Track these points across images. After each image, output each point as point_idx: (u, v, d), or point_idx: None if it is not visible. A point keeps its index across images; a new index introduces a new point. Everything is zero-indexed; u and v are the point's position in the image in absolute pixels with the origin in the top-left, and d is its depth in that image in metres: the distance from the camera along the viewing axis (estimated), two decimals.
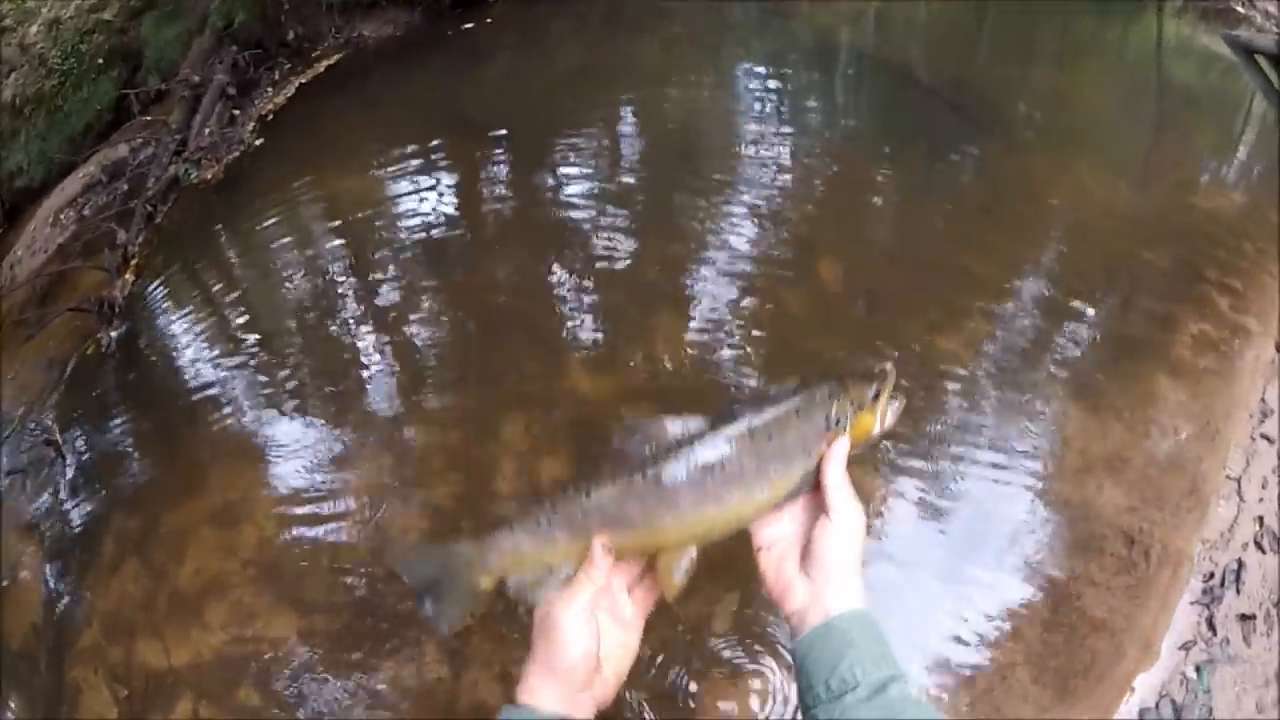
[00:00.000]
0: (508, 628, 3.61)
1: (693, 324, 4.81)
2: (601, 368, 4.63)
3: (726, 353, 4.65)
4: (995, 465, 4.21)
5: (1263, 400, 4.81)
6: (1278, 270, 5.48)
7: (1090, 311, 5.06)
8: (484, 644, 3.62)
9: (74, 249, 6.38)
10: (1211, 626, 3.86)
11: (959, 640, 3.64)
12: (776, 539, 1.76)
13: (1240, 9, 10.12)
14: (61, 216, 6.99)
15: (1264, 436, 4.63)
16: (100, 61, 8.12)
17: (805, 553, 1.69)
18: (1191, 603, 3.93)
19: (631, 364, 4.62)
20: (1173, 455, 4.38)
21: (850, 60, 7.95)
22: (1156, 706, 3.62)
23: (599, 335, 4.81)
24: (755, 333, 4.77)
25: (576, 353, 4.71)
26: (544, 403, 4.48)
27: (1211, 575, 4.03)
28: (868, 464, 4.08)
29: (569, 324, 4.88)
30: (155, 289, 5.64)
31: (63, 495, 4.56)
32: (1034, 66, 8.31)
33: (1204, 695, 3.67)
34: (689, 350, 4.66)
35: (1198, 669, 3.72)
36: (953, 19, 9.18)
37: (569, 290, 5.08)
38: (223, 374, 4.91)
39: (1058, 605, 3.77)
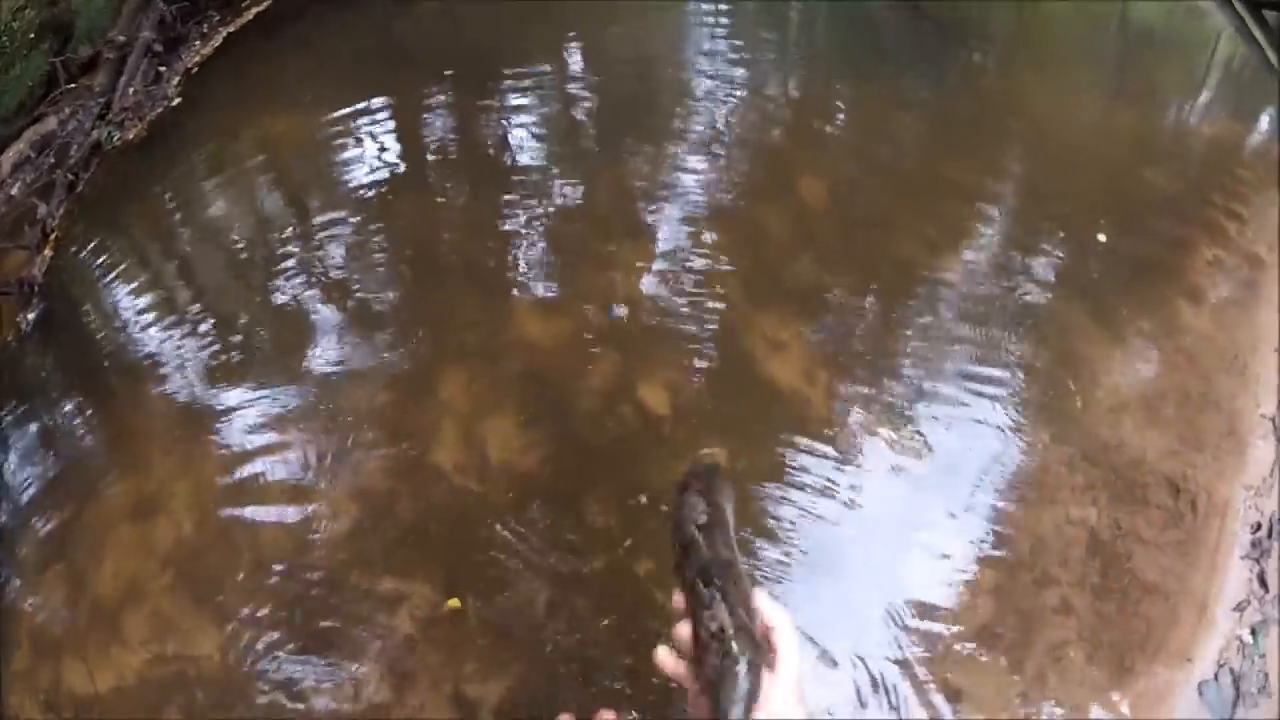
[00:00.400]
0: (458, 635, 3.07)
1: (657, 256, 4.20)
2: (553, 311, 4.01)
3: (697, 287, 4.07)
4: (1017, 401, 3.74)
5: None
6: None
7: (1099, 231, 4.55)
8: (431, 656, 3.06)
9: (4, 230, 5.56)
10: (1263, 582, 3.42)
11: (998, 615, 3.13)
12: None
13: None
14: None
15: None
16: (31, 36, 7.32)
17: None
18: (1241, 557, 3.46)
19: (587, 305, 4.00)
20: (1207, 392, 3.89)
21: None
22: (1215, 678, 3.16)
23: (550, 275, 4.19)
24: (727, 263, 4.18)
25: (525, 295, 4.09)
26: (487, 354, 3.87)
27: (1258, 526, 3.57)
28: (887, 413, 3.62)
29: (517, 264, 4.25)
30: (74, 260, 4.91)
31: None
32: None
33: (1259, 660, 3.24)
34: (653, 287, 4.07)
35: (1253, 631, 3.28)
36: None
37: (518, 229, 4.43)
38: (138, 346, 4.26)
39: (1107, 568, 3.27)
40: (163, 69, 6.09)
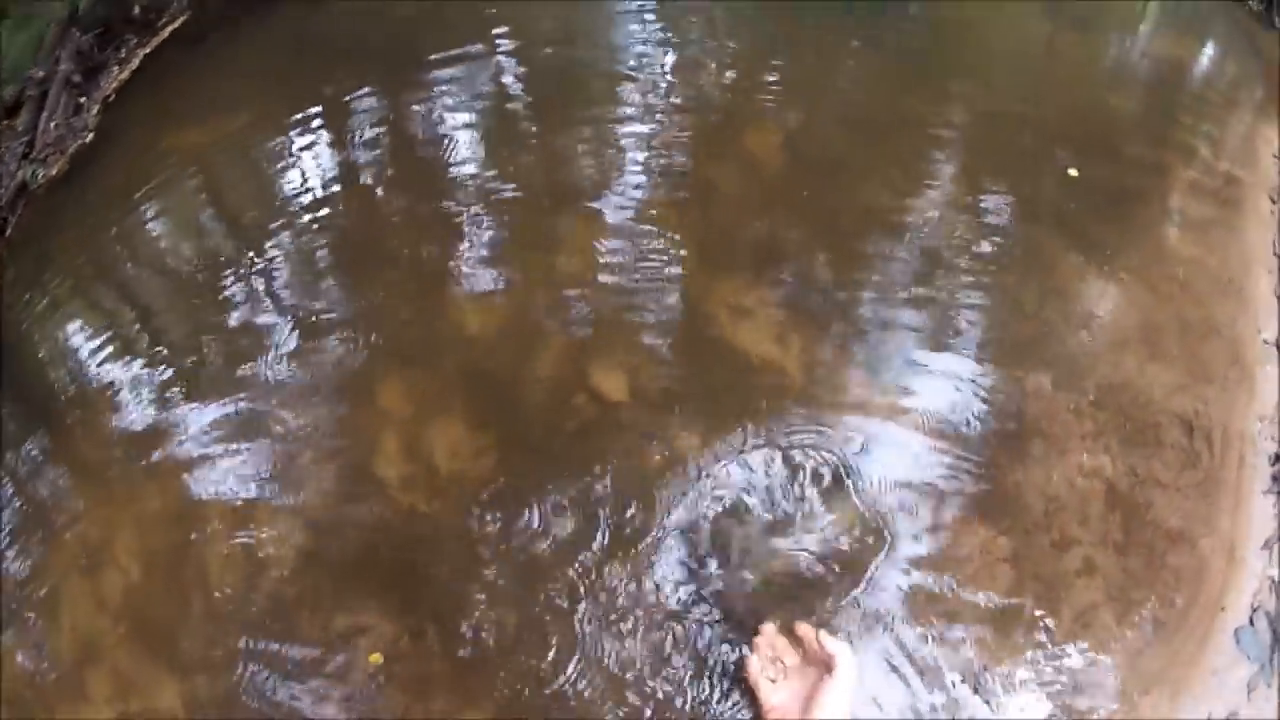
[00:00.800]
0: (423, 669, 2.73)
1: (603, 231, 3.78)
2: (493, 302, 3.61)
3: (649, 259, 3.66)
4: (1008, 345, 3.41)
5: (1276, 255, 4.08)
6: None
7: (1073, 157, 4.21)
8: (396, 696, 2.71)
9: None
10: None
11: (1017, 583, 2.82)
12: (783, 702, 2.15)
13: None
14: None
15: None
16: None
17: (807, 706, 2.05)
18: (1264, 492, 3.18)
19: (531, 290, 3.62)
20: (1206, 319, 3.61)
21: None
22: (1251, 622, 2.88)
23: (490, 263, 3.77)
24: (679, 231, 3.76)
25: (463, 288, 3.67)
26: (427, 353, 3.50)
27: (1277, 457, 3.30)
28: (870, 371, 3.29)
29: (455, 256, 3.82)
30: (11, 305, 4.49)
31: None
32: None
33: None
34: (601, 263, 3.66)
35: None
36: None
37: (455, 219, 4.00)
38: (90, 380, 3.88)
39: (1128, 521, 2.97)
40: (82, 99, 5.73)
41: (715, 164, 4.11)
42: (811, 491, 2.99)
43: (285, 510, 3.14)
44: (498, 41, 5.35)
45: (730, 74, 4.71)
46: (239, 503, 3.21)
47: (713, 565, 2.81)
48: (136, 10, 6.35)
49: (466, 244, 3.88)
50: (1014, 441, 3.18)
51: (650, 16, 5.21)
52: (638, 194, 3.94)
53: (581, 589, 2.83)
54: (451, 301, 3.64)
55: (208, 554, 3.10)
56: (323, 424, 3.35)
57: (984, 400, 3.27)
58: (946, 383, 3.32)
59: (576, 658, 2.71)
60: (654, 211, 3.86)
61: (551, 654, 2.73)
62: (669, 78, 4.69)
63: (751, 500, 2.97)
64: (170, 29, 6.09)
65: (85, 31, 6.16)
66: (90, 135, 5.37)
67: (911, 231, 3.78)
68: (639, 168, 4.08)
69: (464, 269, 3.76)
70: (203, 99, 5.32)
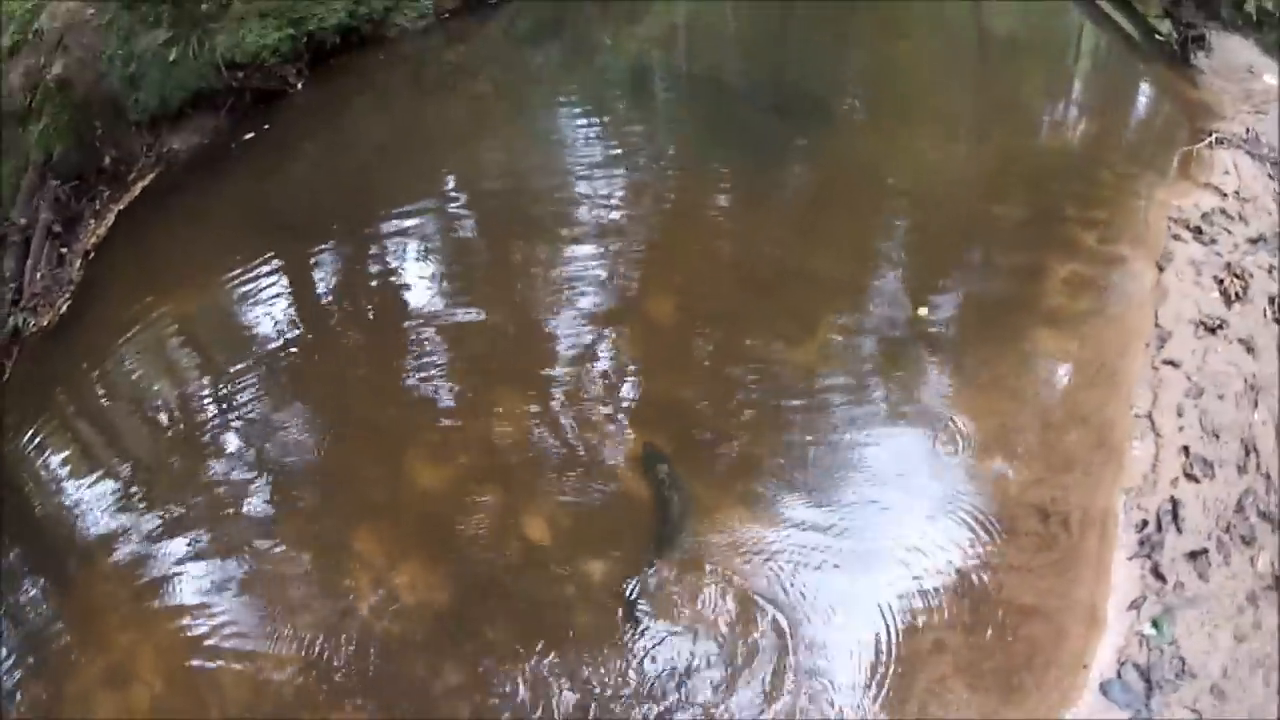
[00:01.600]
0: None
1: (531, 400, 4.64)
2: (441, 457, 4.48)
3: (569, 423, 4.51)
4: (876, 473, 4.12)
5: (1157, 325, 4.76)
6: None
7: (947, 284, 5.00)
8: None
9: None
10: (1159, 575, 3.77)
11: (874, 666, 3.49)
12: None
13: None
14: None
15: (1167, 362, 4.57)
16: None
17: None
18: (1130, 558, 3.82)
19: (471, 449, 4.49)
20: (1071, 412, 4.30)
21: (665, 82, 7.82)
22: (1119, 675, 3.49)
23: (439, 424, 4.68)
24: (592, 392, 4.65)
25: (416, 447, 4.54)
26: (390, 507, 4.33)
27: (1144, 524, 3.94)
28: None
29: (410, 418, 4.73)
30: (12, 450, 5.26)
31: None
32: (850, 52, 8.19)
33: (1170, 647, 3.56)
34: (531, 424, 4.52)
35: (1154, 623, 3.62)
36: (760, 21, 8.88)
37: (408, 383, 4.91)
38: (84, 524, 4.64)
39: (977, 604, 3.64)
40: (64, 250, 6.47)
41: (622, 332, 4.94)
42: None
43: (282, 639, 3.86)
44: (445, 194, 6.39)
45: (653, 232, 5.63)
46: (242, 627, 3.95)
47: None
48: (107, 161, 7.14)
49: (415, 404, 4.74)
50: (873, 552, 3.83)
51: (589, 176, 6.17)
52: (564, 360, 4.80)
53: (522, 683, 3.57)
54: (408, 460, 4.45)
55: (219, 667, 3.83)
56: (310, 567, 4.12)
57: (854, 516, 3.94)
58: (824, 502, 4.00)
59: None
60: (575, 377, 4.70)
61: None
62: (596, 243, 5.53)
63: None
64: (140, 185, 6.96)
65: (61, 180, 6.96)
66: (75, 286, 6.14)
67: (792, 372, 4.54)
68: (566, 337, 4.94)
69: (416, 429, 4.62)
70: (176, 256, 6.12)
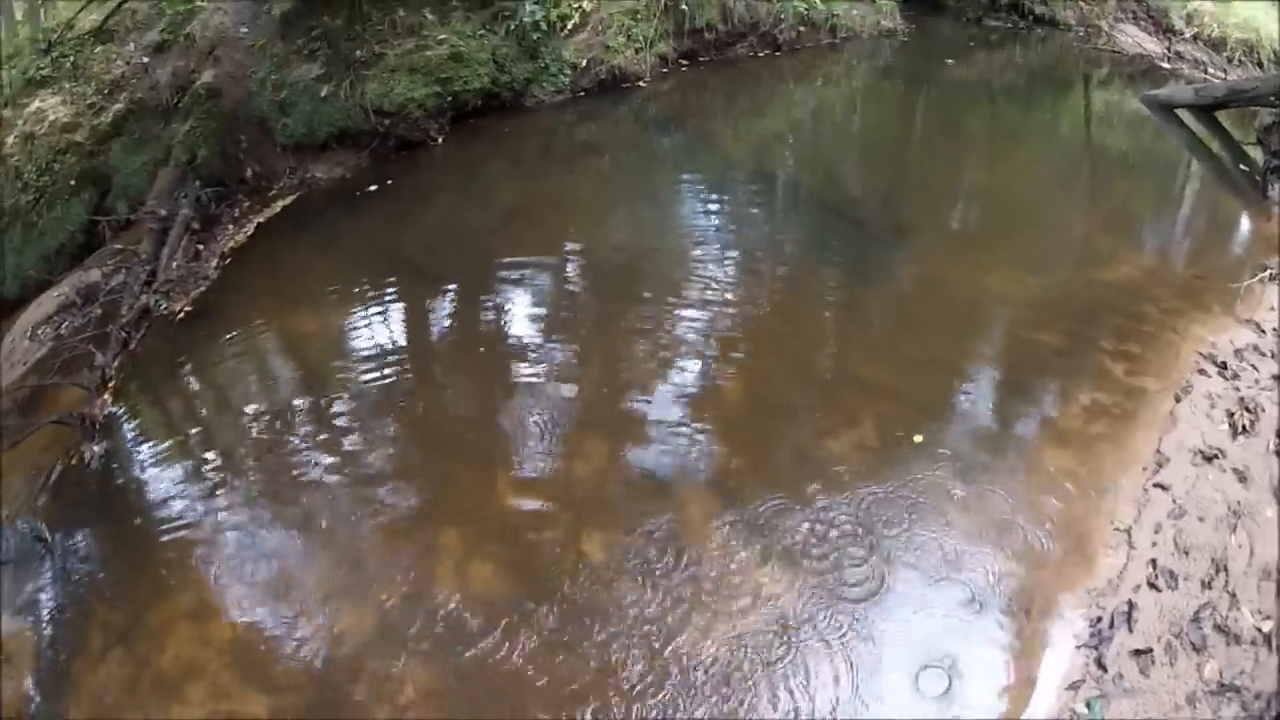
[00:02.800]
0: (444, 702, 4.42)
1: (610, 449, 5.65)
2: (526, 482, 5.47)
3: (637, 472, 5.51)
4: (873, 555, 4.92)
5: (1158, 451, 5.46)
6: None
7: (976, 400, 5.83)
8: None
9: (52, 365, 7.13)
10: (1101, 665, 4.40)
11: None
12: None
13: (1165, 65, 11.15)
14: (39, 333, 7.71)
15: (1158, 485, 5.25)
16: (72, 183, 8.89)
17: None
18: (1077, 647, 4.48)
19: (552, 479, 5.49)
20: (1058, 518, 5.06)
21: (777, 180, 9.03)
22: None
23: (529, 458, 5.63)
24: (662, 451, 5.63)
25: (505, 470, 5.54)
26: (478, 516, 5.30)
27: (1099, 619, 4.58)
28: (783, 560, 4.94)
29: (504, 448, 5.72)
30: (131, 411, 6.43)
31: (52, 588, 5.28)
32: (961, 163, 9.30)
33: None
34: (603, 469, 5.51)
35: (1088, 703, 4.24)
36: (883, 125, 10.32)
37: (505, 419, 5.93)
38: (192, 492, 5.70)
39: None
40: (201, 247, 7.62)
41: (696, 406, 5.92)
42: None
43: (366, 600, 4.85)
44: (562, 262, 7.50)
45: (741, 325, 6.67)
46: (332, 587, 4.95)
47: None
48: (249, 174, 8.35)
49: (513, 439, 5.76)
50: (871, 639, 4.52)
51: (690, 266, 7.32)
52: (640, 424, 5.79)
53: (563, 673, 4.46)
54: (499, 482, 5.46)
55: (302, 617, 4.81)
56: (397, 552, 5.12)
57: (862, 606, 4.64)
58: (826, 575, 4.78)
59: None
60: (646, 438, 5.68)
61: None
62: (686, 328, 6.63)
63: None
64: (281, 204, 8.09)
65: (202, 182, 8.22)
66: (210, 281, 7.30)
67: (825, 464, 5.37)
68: (645, 404, 5.94)
69: (510, 459, 5.63)
70: (306, 273, 7.26)
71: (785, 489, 5.24)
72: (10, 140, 9.11)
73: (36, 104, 9.26)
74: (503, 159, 9.35)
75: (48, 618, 5.12)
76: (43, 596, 5.25)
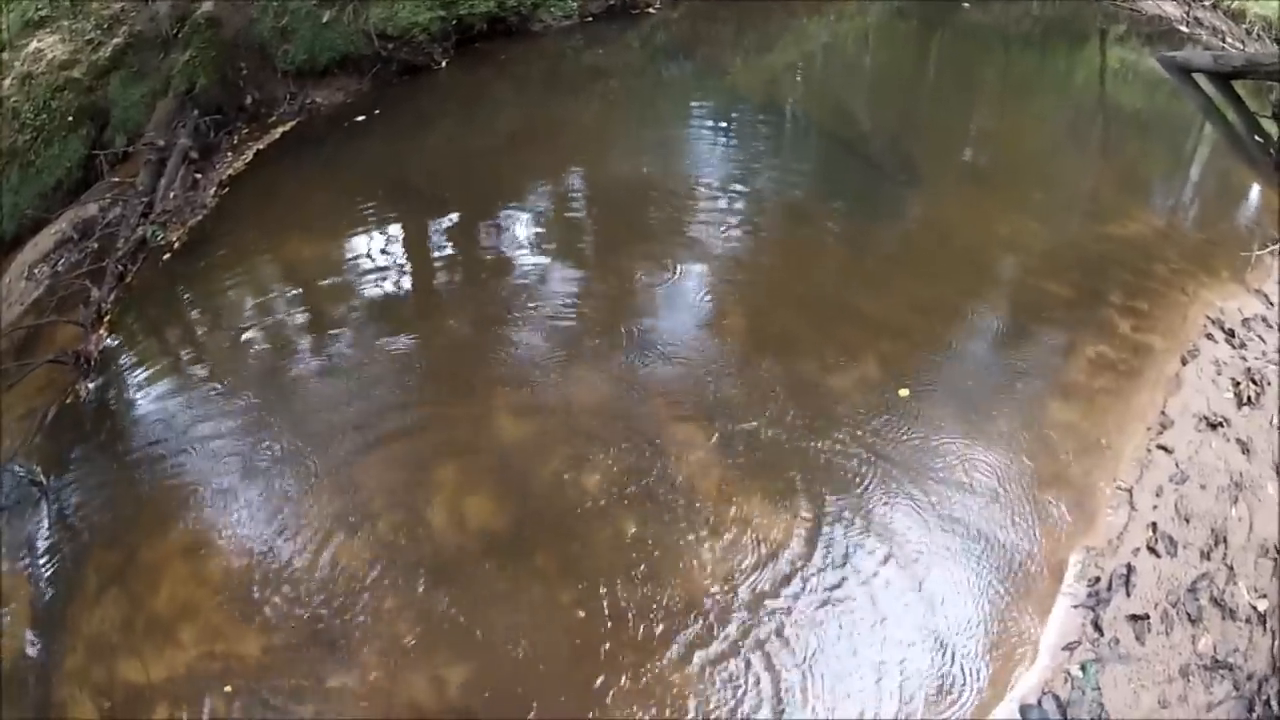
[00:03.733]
0: (438, 637, 4.43)
1: (610, 380, 5.64)
2: (524, 412, 5.47)
3: (637, 404, 5.48)
4: (870, 501, 4.93)
5: (1163, 413, 5.46)
6: None
7: (981, 345, 5.80)
8: (418, 653, 4.41)
9: (49, 304, 7.11)
10: (1098, 628, 4.41)
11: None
12: None
13: (1183, 29, 10.98)
14: (35, 271, 7.65)
15: (1161, 447, 5.25)
16: (70, 120, 8.82)
17: None
18: (1074, 606, 4.49)
19: (550, 411, 5.47)
20: (1058, 474, 5.04)
21: (784, 114, 8.95)
22: (1039, 703, 4.15)
23: (526, 386, 5.63)
24: (661, 382, 5.61)
25: (504, 400, 5.54)
26: (472, 446, 5.31)
27: (1096, 580, 4.60)
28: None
29: (502, 377, 5.72)
30: (127, 345, 6.42)
31: (47, 531, 5.28)
32: (973, 109, 9.21)
33: (1093, 692, 4.18)
34: (603, 401, 5.49)
35: (1083, 667, 4.25)
36: (894, 63, 10.25)
37: (505, 348, 5.93)
38: (188, 426, 5.69)
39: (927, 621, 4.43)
40: (199, 176, 7.56)
41: (697, 339, 5.90)
42: None
43: (360, 533, 4.86)
44: (565, 187, 7.45)
45: (741, 257, 6.69)
46: (328, 521, 4.94)
47: None
48: (249, 101, 8.26)
49: (512, 370, 5.73)
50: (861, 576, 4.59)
51: (699, 192, 7.29)
52: (640, 353, 5.78)
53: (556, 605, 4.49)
54: (496, 410, 5.45)
55: (297, 553, 4.81)
56: (392, 484, 5.10)
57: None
58: (833, 507, 4.84)
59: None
60: (645, 367, 5.68)
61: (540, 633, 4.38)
62: (691, 256, 6.62)
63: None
64: (280, 130, 8.00)
65: (201, 111, 8.10)
66: (208, 210, 7.24)
67: (830, 401, 5.38)
68: (646, 335, 5.93)
69: (507, 388, 5.60)
70: (305, 200, 7.19)
71: (781, 425, 5.28)
72: (8, 82, 9.02)
73: (35, 44, 9.11)
74: (507, 84, 9.30)
75: (43, 560, 5.13)
76: (39, 539, 5.25)
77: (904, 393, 5.47)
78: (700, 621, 4.41)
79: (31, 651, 4.74)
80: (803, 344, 5.80)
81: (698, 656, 4.28)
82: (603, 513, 4.88)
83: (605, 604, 4.49)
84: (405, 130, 8.38)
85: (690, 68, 9.81)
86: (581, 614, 4.48)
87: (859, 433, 5.21)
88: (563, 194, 7.54)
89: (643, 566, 4.61)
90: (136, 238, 7.18)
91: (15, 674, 4.66)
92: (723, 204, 7.18)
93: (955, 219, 6.99)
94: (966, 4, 11.67)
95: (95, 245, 7.36)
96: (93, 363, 6.23)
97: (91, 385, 6.11)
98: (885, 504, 4.87)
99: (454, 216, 7.20)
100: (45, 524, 5.34)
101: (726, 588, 4.52)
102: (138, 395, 6.05)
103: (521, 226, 7.09)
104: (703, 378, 5.61)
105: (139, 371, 6.22)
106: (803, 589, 4.51)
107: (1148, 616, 4.45)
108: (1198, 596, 4.55)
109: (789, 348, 5.78)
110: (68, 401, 6.07)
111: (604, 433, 5.29)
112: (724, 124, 8.56)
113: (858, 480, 4.98)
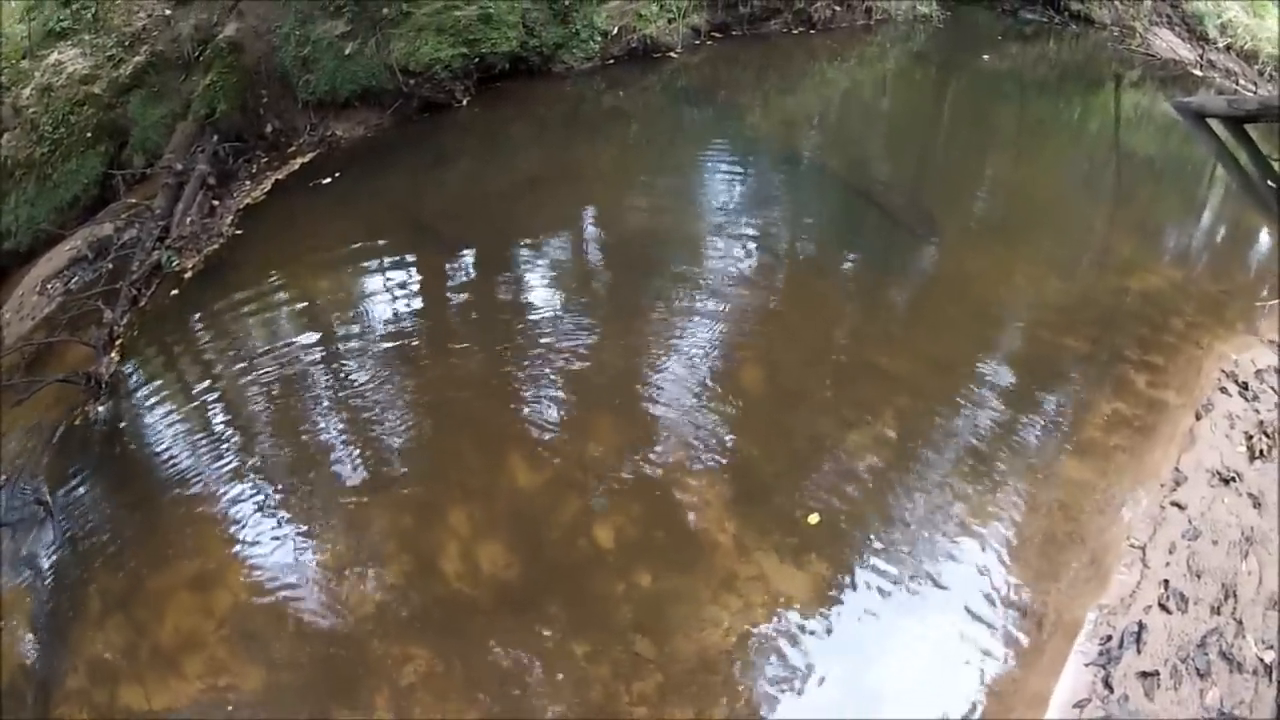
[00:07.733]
0: (448, 683, 4.41)
1: (624, 429, 5.63)
2: (537, 461, 5.45)
3: (652, 454, 5.46)
4: (888, 557, 4.91)
5: (1176, 469, 5.41)
6: None
7: (997, 402, 5.76)
8: (427, 698, 4.38)
9: (60, 321, 7.13)
10: (1108, 685, 4.39)
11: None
12: None
13: (1197, 71, 11.04)
14: (49, 287, 7.68)
15: (1174, 504, 5.21)
16: (89, 136, 8.83)
17: None
18: (1086, 664, 4.48)
19: (564, 459, 5.46)
20: (1073, 532, 5.02)
21: (802, 159, 8.94)
22: None
23: (540, 434, 5.62)
24: (675, 438, 5.58)
25: (517, 448, 5.53)
26: (486, 494, 5.30)
27: (1108, 638, 4.57)
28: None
29: (514, 422, 5.72)
30: (138, 370, 6.44)
31: (52, 550, 5.29)
32: (989, 156, 9.26)
33: None
34: (617, 451, 5.48)
35: None
36: (911, 112, 10.25)
37: (518, 392, 5.94)
38: (199, 455, 5.70)
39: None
40: (216, 203, 7.57)
41: (714, 393, 5.86)
42: None
43: (370, 576, 4.86)
44: (581, 231, 7.48)
45: (758, 310, 6.61)
46: (339, 562, 4.94)
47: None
48: (269, 129, 8.31)
49: (526, 416, 5.72)
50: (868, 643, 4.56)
51: (713, 243, 7.32)
52: (657, 407, 5.76)
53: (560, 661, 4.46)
54: (509, 458, 5.44)
55: (307, 593, 4.81)
56: (405, 528, 5.11)
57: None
58: (840, 560, 4.82)
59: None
60: (662, 421, 5.66)
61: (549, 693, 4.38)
62: (703, 310, 6.59)
63: None
64: (300, 161, 8.01)
65: (221, 137, 8.13)
66: (227, 240, 7.24)
67: (848, 457, 5.35)
68: (662, 385, 5.92)
69: (521, 434, 5.59)
70: (323, 232, 7.23)
71: (798, 480, 5.27)
72: (27, 92, 9.03)
73: (55, 56, 9.15)
74: (527, 124, 9.33)
75: (47, 579, 5.14)
76: (42, 557, 5.27)
77: (813, 519, 5.30)
78: (712, 677, 4.38)
79: (31, 668, 4.76)
80: (818, 398, 5.80)
81: (710, 714, 4.24)
82: (616, 564, 4.88)
83: (618, 657, 4.47)
84: (424, 168, 8.45)
85: (710, 112, 9.86)
86: (594, 667, 4.45)
87: (872, 489, 5.20)
88: (579, 239, 7.57)
89: (656, 620, 4.59)
90: (151, 262, 7.21)
91: (14, 689, 4.66)
92: (739, 253, 7.21)
93: (972, 271, 6.98)
94: (985, 56, 11.72)
95: (110, 266, 7.38)
96: (103, 385, 6.24)
97: (101, 408, 6.13)
98: (901, 561, 4.85)
99: (470, 257, 7.25)
100: (50, 543, 5.35)
101: (738, 644, 4.50)
102: (147, 421, 6.07)
103: (537, 271, 7.16)
104: (717, 429, 5.60)
105: (150, 397, 6.26)
106: (815, 645, 4.50)
107: (1157, 673, 4.42)
108: (1206, 651, 4.52)
109: (804, 401, 5.78)
110: (76, 422, 6.09)
111: (617, 482, 5.29)
112: (742, 171, 8.60)
113: (872, 536, 4.97)
